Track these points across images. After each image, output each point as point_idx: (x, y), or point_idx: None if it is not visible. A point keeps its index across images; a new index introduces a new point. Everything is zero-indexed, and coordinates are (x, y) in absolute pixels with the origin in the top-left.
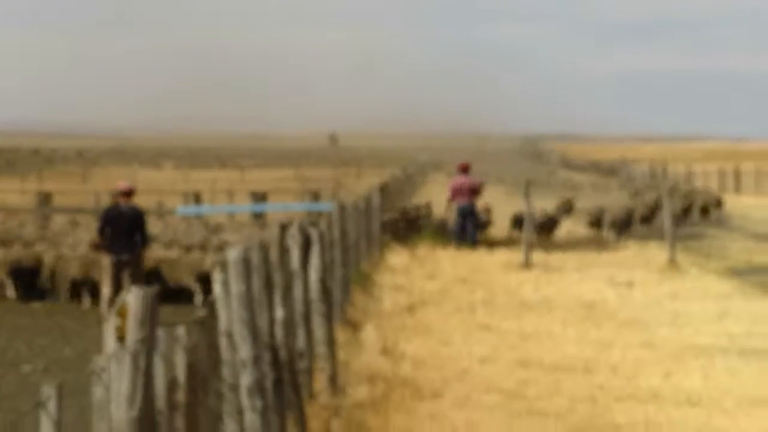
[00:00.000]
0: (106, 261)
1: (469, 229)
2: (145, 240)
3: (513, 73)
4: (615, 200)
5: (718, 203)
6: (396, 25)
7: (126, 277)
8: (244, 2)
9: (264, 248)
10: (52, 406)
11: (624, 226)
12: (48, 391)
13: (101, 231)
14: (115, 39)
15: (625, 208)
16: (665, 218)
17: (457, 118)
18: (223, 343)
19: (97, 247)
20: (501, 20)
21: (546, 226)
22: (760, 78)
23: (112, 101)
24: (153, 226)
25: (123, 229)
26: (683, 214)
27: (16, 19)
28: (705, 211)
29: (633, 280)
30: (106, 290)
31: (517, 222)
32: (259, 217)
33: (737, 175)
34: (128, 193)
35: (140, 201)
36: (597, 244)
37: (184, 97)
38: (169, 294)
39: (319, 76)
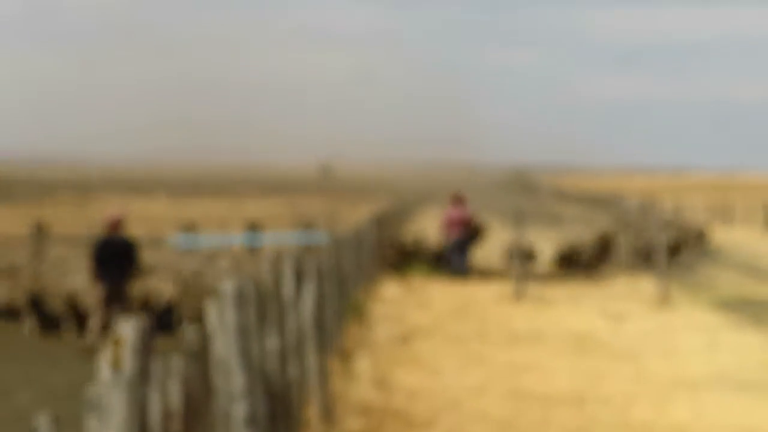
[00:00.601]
0: (96, 291)
1: (460, 260)
2: (137, 270)
3: (499, 100)
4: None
5: (700, 238)
6: (382, 50)
7: (115, 307)
8: (231, 32)
9: (258, 280)
10: None
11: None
12: (41, 421)
13: (94, 261)
14: (102, 69)
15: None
16: (658, 251)
17: (446, 147)
18: (216, 373)
19: (93, 277)
20: (489, 45)
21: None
22: (755, 107)
23: (97, 131)
24: (148, 257)
25: (115, 259)
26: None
27: None
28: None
29: (624, 312)
30: (95, 320)
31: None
32: (254, 249)
33: (726, 209)
34: (117, 223)
35: (134, 231)
36: (588, 276)
37: (171, 127)
38: None
39: (307, 104)
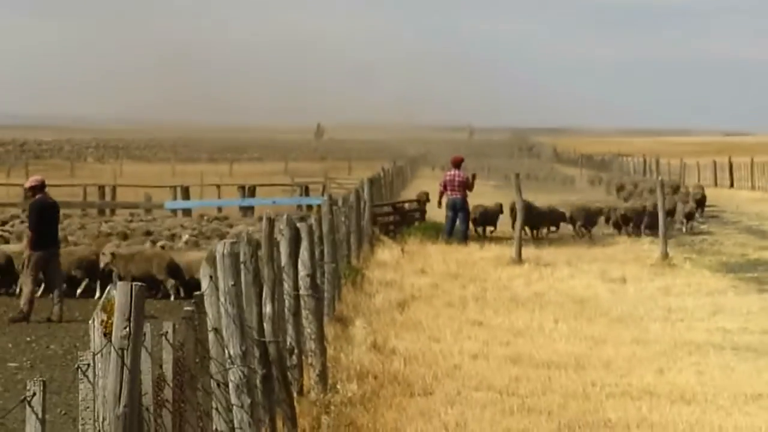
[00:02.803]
0: (36, 256)
1: (460, 223)
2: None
3: (501, 64)
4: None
5: (702, 200)
6: (382, 16)
7: (50, 271)
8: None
9: (253, 243)
10: (37, 402)
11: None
12: (33, 388)
13: (36, 225)
14: (99, 33)
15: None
16: (659, 212)
17: (446, 110)
18: (211, 338)
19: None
20: (488, 10)
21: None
22: (759, 66)
23: (95, 94)
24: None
25: (53, 222)
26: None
27: None
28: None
29: (625, 276)
30: (29, 287)
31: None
32: (247, 210)
33: (731, 169)
34: (43, 186)
35: (128, 195)
36: (588, 239)
37: (169, 91)
38: None
39: (307, 68)
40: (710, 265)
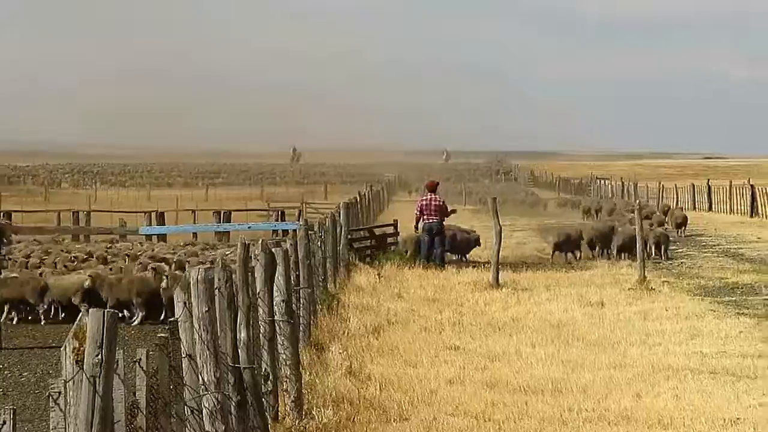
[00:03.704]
0: None
1: (437, 248)
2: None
3: (474, 85)
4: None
5: (682, 223)
6: (355, 35)
7: None
8: (204, 18)
9: (227, 268)
10: (7, 430)
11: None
12: (3, 416)
13: None
14: (76, 55)
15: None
16: (636, 236)
17: (422, 133)
18: (185, 365)
19: None
20: (466, 20)
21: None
22: (739, 88)
23: (69, 118)
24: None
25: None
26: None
27: None
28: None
29: (603, 300)
30: None
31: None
32: (223, 236)
33: (710, 192)
34: None
35: (103, 221)
36: (566, 263)
37: (144, 115)
38: None
39: (279, 90)
40: (688, 288)
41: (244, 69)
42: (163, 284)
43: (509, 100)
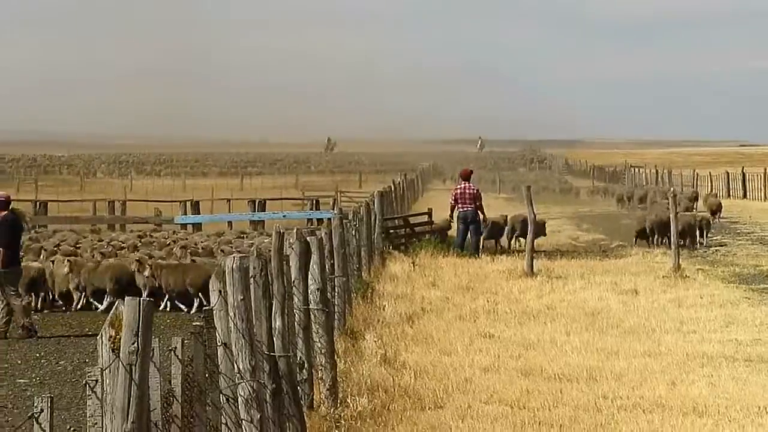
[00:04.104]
0: (13, 272)
1: (472, 237)
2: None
3: (512, 76)
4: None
5: (716, 210)
6: (391, 28)
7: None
8: (236, 8)
9: (262, 257)
10: (44, 418)
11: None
12: (40, 404)
13: (11, 241)
14: (109, 47)
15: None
16: (672, 224)
17: (456, 123)
18: (220, 353)
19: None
20: (501, 20)
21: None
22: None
23: (106, 109)
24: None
25: (19, 238)
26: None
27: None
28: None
29: (637, 288)
30: (19, 303)
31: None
32: (257, 224)
33: (744, 179)
34: (8, 203)
35: (138, 210)
36: (600, 250)
37: (179, 106)
38: None
39: (317, 81)
40: (723, 276)
41: (280, 62)
42: (146, 272)
43: (545, 91)
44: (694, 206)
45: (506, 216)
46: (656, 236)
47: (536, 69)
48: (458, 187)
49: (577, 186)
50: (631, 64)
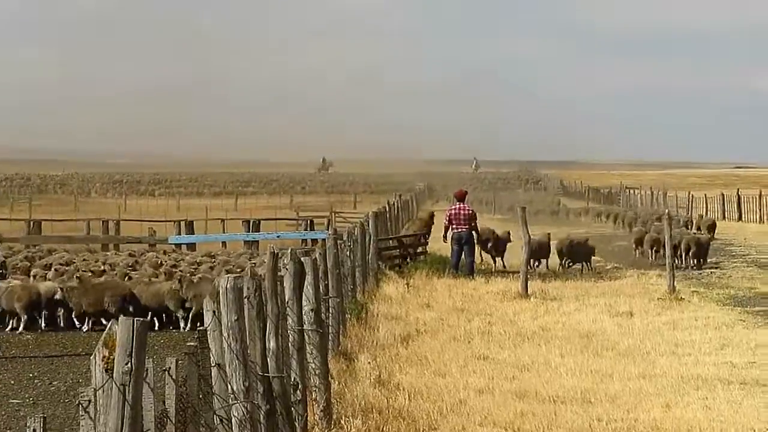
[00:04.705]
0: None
1: (466, 258)
2: None
3: (505, 95)
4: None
5: (711, 232)
6: (386, 48)
7: None
8: (230, 31)
9: (256, 277)
10: None
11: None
12: (33, 424)
13: None
14: (103, 67)
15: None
16: (666, 246)
17: (450, 143)
18: (214, 374)
19: None
20: (498, 38)
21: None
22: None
23: (101, 128)
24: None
25: None
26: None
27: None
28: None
29: (632, 310)
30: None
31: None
32: (252, 245)
33: (739, 201)
34: None
35: (133, 230)
36: (594, 272)
37: (173, 125)
38: None
39: (309, 98)
40: (718, 298)
41: (274, 83)
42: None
43: (539, 111)
44: (689, 229)
45: (549, 233)
46: (655, 252)
47: (528, 88)
48: (453, 207)
49: (572, 207)
50: (631, 80)
